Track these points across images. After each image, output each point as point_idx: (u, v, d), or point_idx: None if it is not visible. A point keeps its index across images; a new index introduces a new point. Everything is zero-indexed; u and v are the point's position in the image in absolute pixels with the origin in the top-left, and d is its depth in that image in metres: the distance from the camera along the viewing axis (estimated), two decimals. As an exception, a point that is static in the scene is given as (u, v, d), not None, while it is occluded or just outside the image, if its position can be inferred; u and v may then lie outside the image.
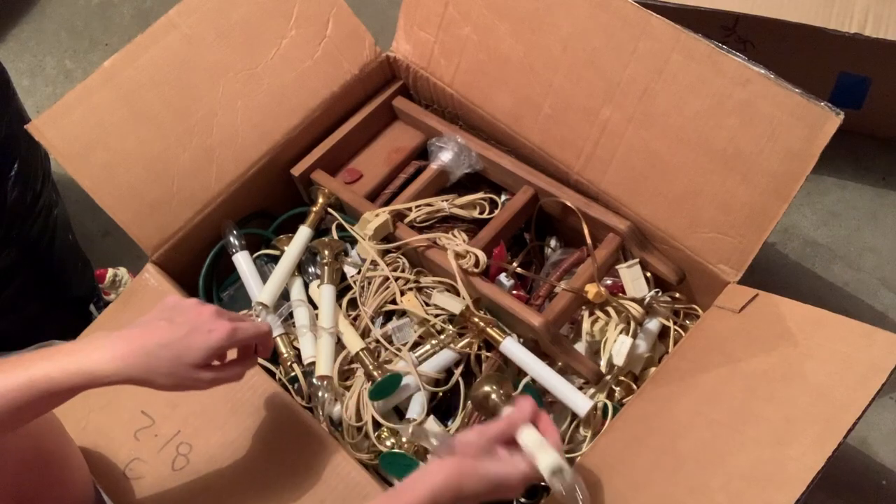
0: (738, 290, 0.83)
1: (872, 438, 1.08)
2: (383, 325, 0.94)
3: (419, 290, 0.95)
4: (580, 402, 0.82)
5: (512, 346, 0.86)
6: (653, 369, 0.91)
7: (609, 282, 0.91)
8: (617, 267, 0.90)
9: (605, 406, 0.85)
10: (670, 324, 0.92)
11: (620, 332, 0.88)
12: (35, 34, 1.62)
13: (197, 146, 0.95)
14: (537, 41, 0.92)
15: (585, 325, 0.89)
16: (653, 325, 0.92)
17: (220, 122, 0.96)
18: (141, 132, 0.93)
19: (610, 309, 0.90)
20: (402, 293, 0.94)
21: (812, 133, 0.76)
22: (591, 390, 0.88)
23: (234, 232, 0.99)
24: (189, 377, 0.65)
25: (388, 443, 0.86)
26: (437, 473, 0.63)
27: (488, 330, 0.87)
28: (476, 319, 0.87)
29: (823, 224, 1.25)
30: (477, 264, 0.89)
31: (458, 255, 0.90)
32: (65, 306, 1.20)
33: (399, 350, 0.91)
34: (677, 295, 0.93)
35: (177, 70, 0.95)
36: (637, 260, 0.90)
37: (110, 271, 1.25)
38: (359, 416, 0.88)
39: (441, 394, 0.90)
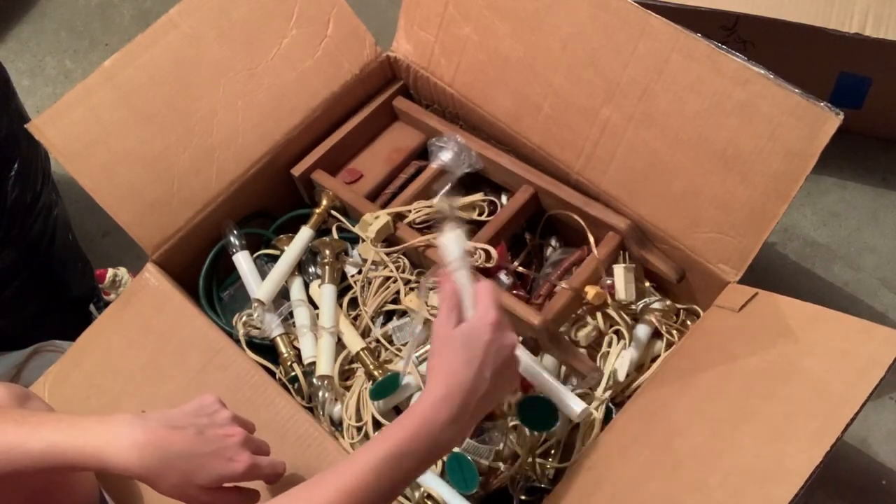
0: (738, 290, 0.83)
1: (872, 438, 1.08)
2: (383, 325, 0.95)
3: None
4: (574, 405, 0.82)
5: None
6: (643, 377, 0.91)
7: (609, 281, 0.91)
8: (614, 266, 0.90)
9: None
10: (662, 330, 0.92)
11: (621, 349, 0.89)
12: (35, 34, 1.63)
13: (197, 146, 0.95)
14: (537, 41, 0.92)
15: (570, 331, 0.89)
16: (642, 331, 0.92)
17: (221, 122, 0.96)
18: (141, 132, 0.93)
19: (599, 317, 0.90)
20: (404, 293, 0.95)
21: (812, 133, 0.76)
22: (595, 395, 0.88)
23: (235, 232, 0.99)
24: (191, 494, 0.63)
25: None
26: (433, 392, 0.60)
27: None
28: None
29: (823, 224, 1.25)
30: (488, 258, 0.89)
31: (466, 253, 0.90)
32: (65, 306, 1.20)
33: (399, 350, 0.91)
34: (668, 302, 0.93)
35: (177, 70, 0.95)
36: (634, 265, 0.90)
37: (110, 271, 1.25)
38: (359, 416, 0.88)
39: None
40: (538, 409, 0.83)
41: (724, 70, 0.80)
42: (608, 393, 0.87)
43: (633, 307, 0.91)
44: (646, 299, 0.92)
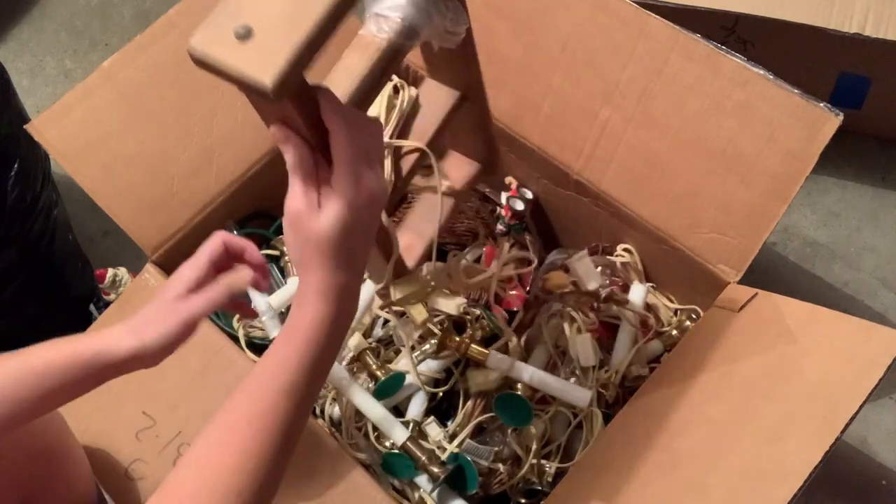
0: (738, 290, 0.83)
1: (872, 438, 1.08)
2: (384, 325, 0.94)
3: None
4: (580, 394, 0.82)
5: (499, 360, 0.85)
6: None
7: (608, 281, 0.91)
8: (568, 261, 0.90)
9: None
10: (632, 320, 0.92)
11: (575, 332, 0.89)
12: (35, 34, 1.62)
13: (197, 146, 0.95)
14: (537, 42, 0.92)
15: (547, 332, 0.89)
16: (625, 326, 0.92)
17: (220, 122, 0.96)
18: (141, 132, 0.93)
19: (569, 310, 0.90)
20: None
21: (811, 134, 0.76)
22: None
23: (235, 232, 0.99)
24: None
25: (388, 443, 0.86)
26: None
27: (470, 352, 0.86)
28: (456, 341, 0.86)
29: (823, 224, 1.25)
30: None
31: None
32: (65, 306, 1.20)
33: (399, 350, 0.91)
34: (668, 300, 0.93)
35: (177, 70, 0.95)
36: (585, 252, 0.90)
37: (110, 271, 1.25)
38: (359, 416, 0.88)
39: (440, 394, 0.90)
40: (514, 406, 0.83)
41: (723, 71, 0.80)
42: (593, 382, 0.87)
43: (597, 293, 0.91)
44: (610, 287, 0.91)
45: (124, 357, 0.60)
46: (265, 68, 0.44)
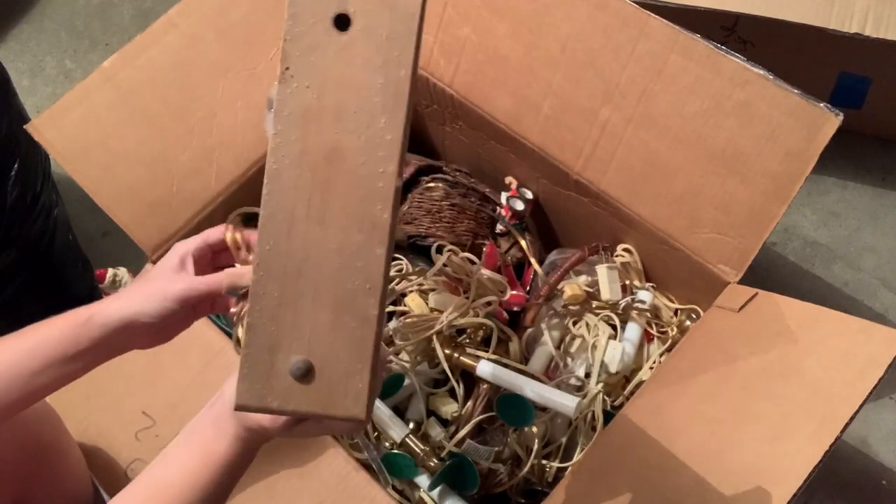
0: (738, 290, 0.83)
1: (872, 438, 1.08)
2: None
3: (422, 291, 0.95)
4: (567, 402, 0.81)
5: (488, 368, 0.85)
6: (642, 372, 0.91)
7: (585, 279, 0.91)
8: (597, 266, 0.90)
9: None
10: (653, 330, 0.92)
11: (608, 339, 0.88)
12: (35, 34, 1.62)
13: (197, 146, 0.95)
14: (536, 42, 0.92)
15: (548, 334, 0.89)
16: (633, 330, 0.92)
17: (220, 122, 0.96)
18: (141, 132, 0.93)
19: (589, 317, 0.90)
20: (405, 294, 0.94)
21: (811, 134, 0.76)
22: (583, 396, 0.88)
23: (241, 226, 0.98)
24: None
25: (388, 443, 0.86)
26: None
27: (461, 359, 0.86)
28: (447, 352, 0.86)
29: (823, 224, 1.25)
30: None
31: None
32: (65, 306, 1.19)
33: (398, 352, 0.91)
34: (668, 300, 0.93)
35: (176, 70, 0.95)
36: (617, 264, 0.90)
37: (110, 271, 1.25)
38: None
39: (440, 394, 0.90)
40: (515, 407, 0.83)
41: (723, 71, 0.80)
42: (600, 385, 0.87)
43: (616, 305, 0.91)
44: (629, 297, 0.91)
45: (117, 320, 0.58)
46: (353, 404, 0.42)
